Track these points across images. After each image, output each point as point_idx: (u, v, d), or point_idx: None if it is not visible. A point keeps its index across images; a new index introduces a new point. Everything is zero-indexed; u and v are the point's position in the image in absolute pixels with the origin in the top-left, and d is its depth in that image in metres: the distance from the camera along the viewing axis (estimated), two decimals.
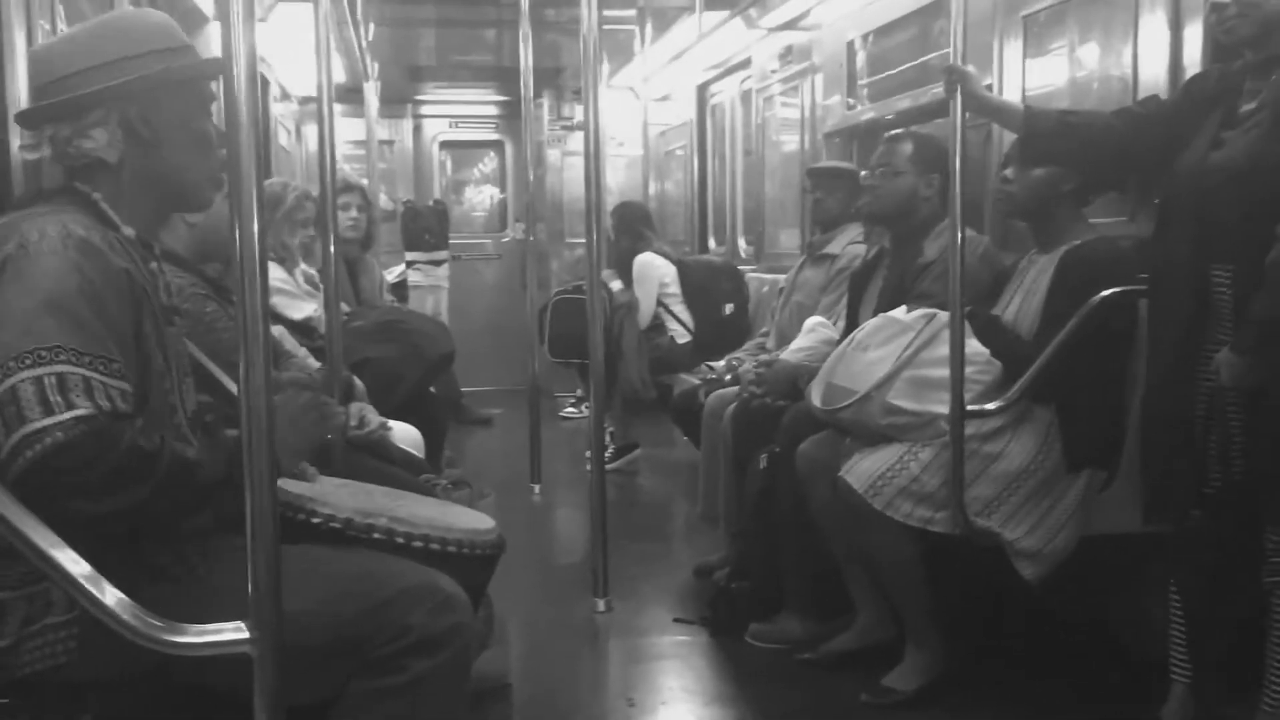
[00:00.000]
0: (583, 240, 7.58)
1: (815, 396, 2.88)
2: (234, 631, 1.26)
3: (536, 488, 5.11)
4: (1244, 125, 2.10)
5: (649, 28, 6.77)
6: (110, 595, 1.31)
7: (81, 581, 1.31)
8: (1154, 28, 2.94)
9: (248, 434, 1.26)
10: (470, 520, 1.93)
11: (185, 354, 1.81)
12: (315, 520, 1.73)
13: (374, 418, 2.81)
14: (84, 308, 1.48)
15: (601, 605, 3.42)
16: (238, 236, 1.28)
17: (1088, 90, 3.24)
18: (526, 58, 4.95)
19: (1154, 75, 2.93)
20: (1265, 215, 1.82)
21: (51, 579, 1.33)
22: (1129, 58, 3.05)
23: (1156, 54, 2.93)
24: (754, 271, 5.81)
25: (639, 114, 7.66)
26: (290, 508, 1.71)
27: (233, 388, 2.20)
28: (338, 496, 1.83)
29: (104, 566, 1.37)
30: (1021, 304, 2.78)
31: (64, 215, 1.58)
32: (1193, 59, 2.81)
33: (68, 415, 1.40)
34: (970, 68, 2.64)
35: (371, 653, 1.59)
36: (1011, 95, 3.52)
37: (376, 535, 1.74)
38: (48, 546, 1.33)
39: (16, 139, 1.77)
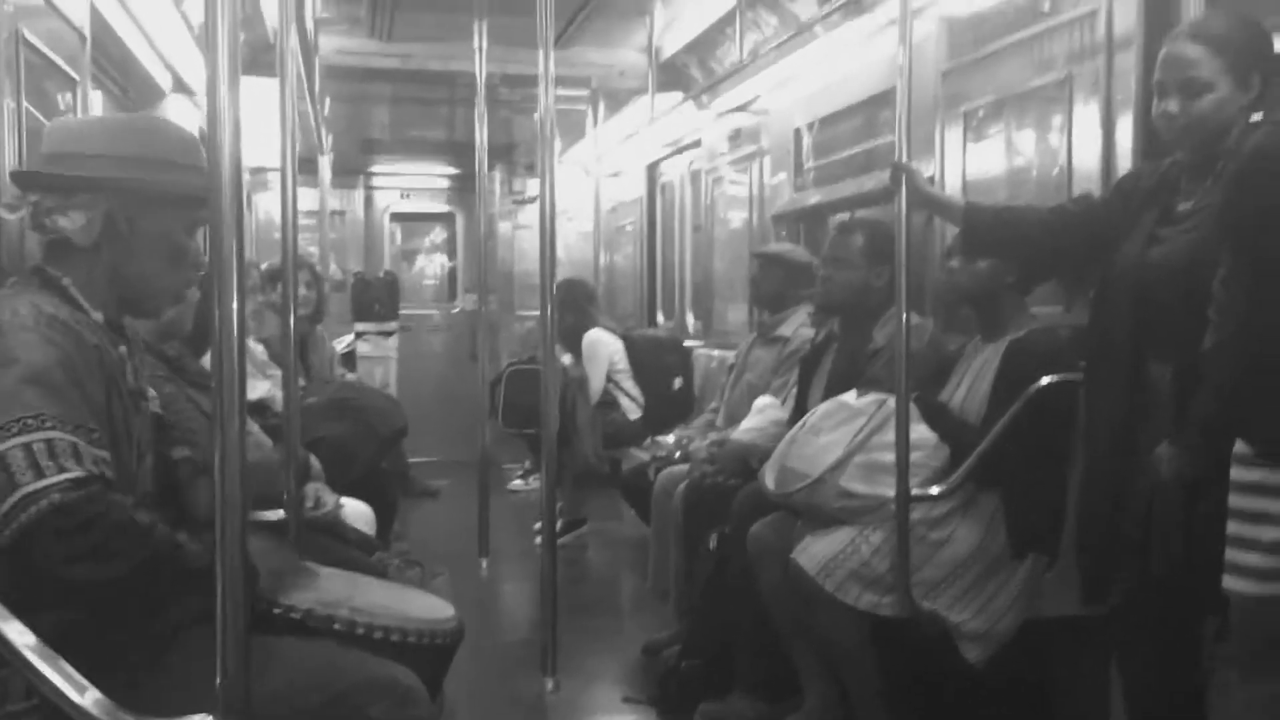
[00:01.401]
0: (532, 313, 7.68)
1: (769, 479, 2.93)
2: None
3: (484, 562, 5.08)
4: (1182, 224, 2.19)
5: (601, 107, 6.90)
6: (77, 687, 1.30)
7: (49, 674, 1.30)
8: (1088, 123, 3.08)
9: (221, 520, 1.27)
10: (429, 608, 1.94)
11: (149, 436, 1.82)
12: (276, 611, 1.74)
13: (329, 498, 2.81)
14: (63, 379, 1.51)
15: (550, 684, 3.39)
16: (217, 319, 1.28)
17: (1025, 179, 3.37)
18: (482, 134, 5.02)
19: (1088, 168, 3.07)
20: (1203, 313, 1.90)
21: (18, 670, 1.32)
22: (1064, 151, 3.19)
23: (1090, 148, 3.07)
24: (702, 347, 5.88)
25: (590, 189, 7.77)
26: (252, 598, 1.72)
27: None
28: (297, 584, 1.84)
29: (72, 651, 1.36)
30: (968, 391, 2.86)
31: (32, 295, 1.61)
32: (1124, 154, 2.95)
33: (62, 477, 1.42)
34: (914, 164, 2.74)
35: None
36: (953, 183, 3.65)
37: (337, 626, 1.75)
38: (10, 632, 1.32)
39: None
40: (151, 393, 1.87)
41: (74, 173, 1.69)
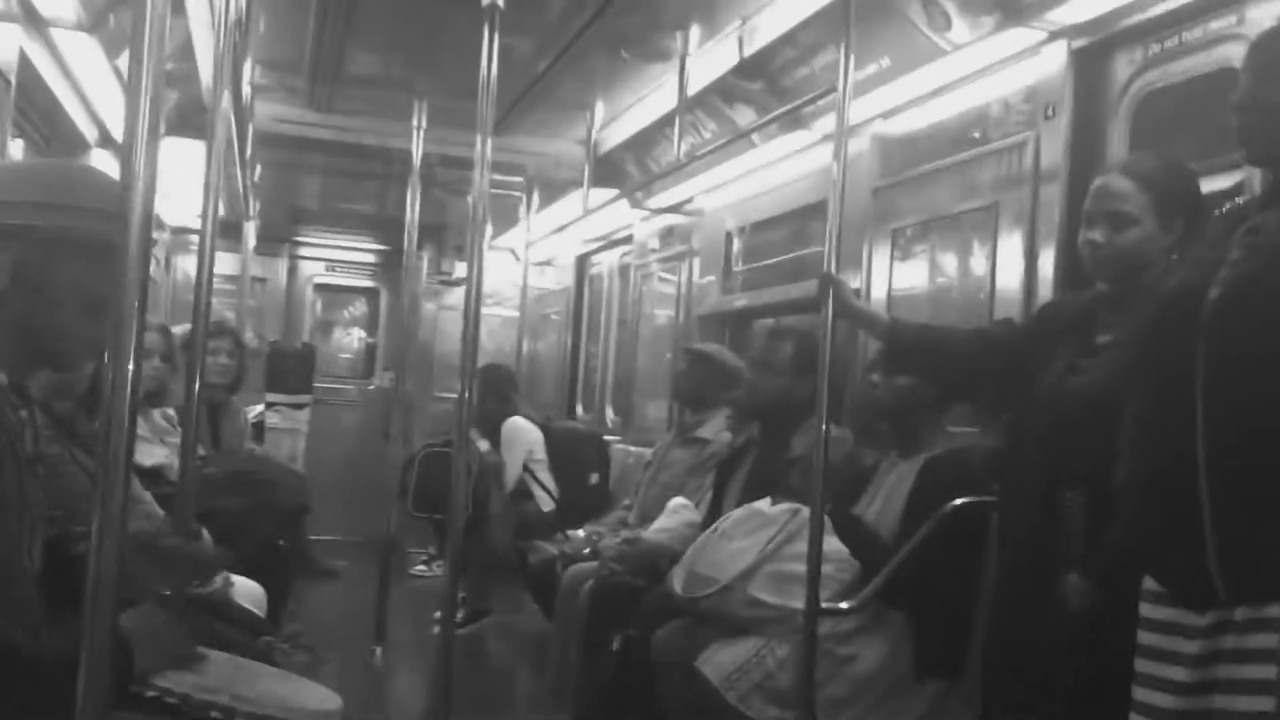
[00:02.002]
0: (449, 395, 7.59)
1: (677, 583, 2.88)
2: None
3: (379, 650, 4.91)
4: (1100, 356, 2.22)
5: (535, 196, 6.92)
6: None
7: None
8: (1012, 249, 3.15)
9: (92, 594, 1.19)
10: (315, 698, 1.85)
11: (42, 507, 1.71)
12: (150, 694, 1.64)
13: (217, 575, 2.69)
14: None
15: None
16: (110, 380, 1.21)
17: (949, 299, 3.43)
18: (413, 212, 4.99)
19: (1010, 292, 3.13)
20: (1118, 445, 1.90)
21: None
22: (988, 274, 3.26)
23: (1013, 273, 3.13)
24: (620, 442, 5.84)
25: (519, 275, 7.76)
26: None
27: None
28: (179, 667, 1.74)
29: None
30: (883, 506, 2.85)
31: None
32: (1046, 282, 3.02)
33: None
34: (842, 276, 2.76)
35: None
36: (878, 297, 3.70)
37: (215, 715, 1.65)
38: None
39: None
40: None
41: None
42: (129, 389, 1.22)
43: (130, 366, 1.21)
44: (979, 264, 3.33)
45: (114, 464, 1.21)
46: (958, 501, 2.63)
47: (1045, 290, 3.01)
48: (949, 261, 3.50)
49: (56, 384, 2.47)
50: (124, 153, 1.21)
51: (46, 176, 1.69)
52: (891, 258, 3.75)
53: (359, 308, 8.91)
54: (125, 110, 1.21)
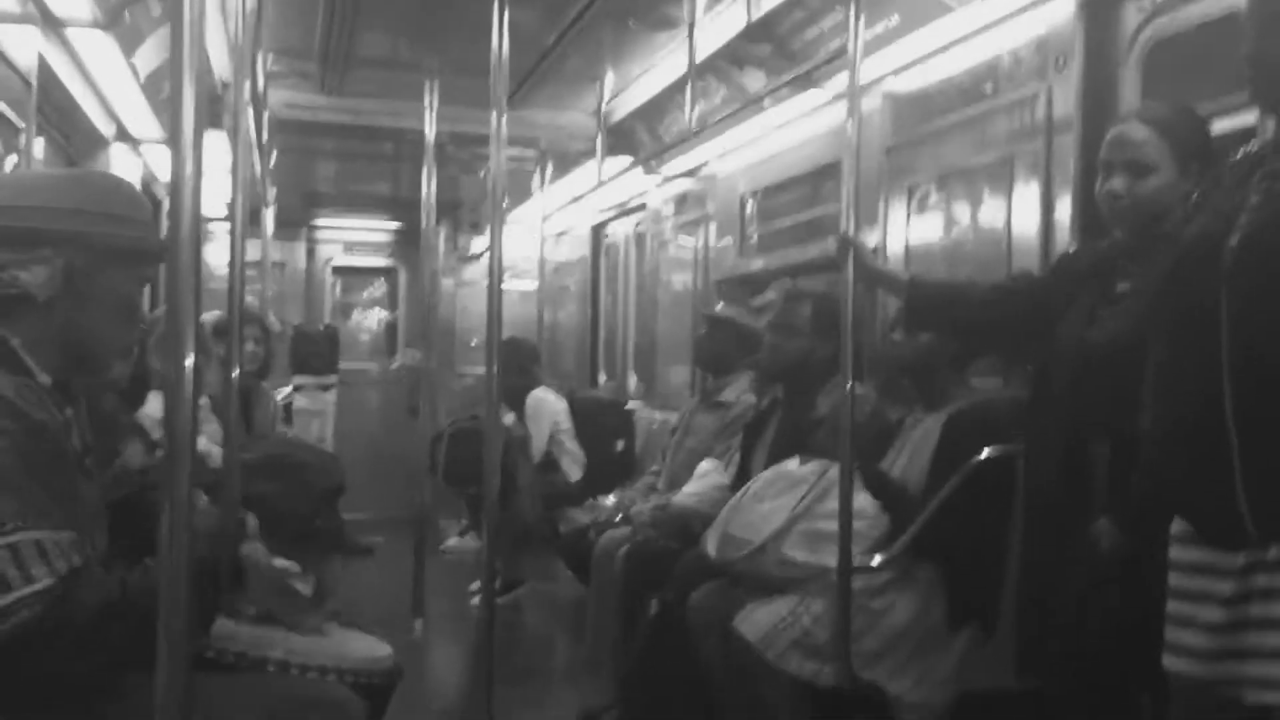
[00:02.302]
0: (472, 370, 7.65)
1: (711, 545, 2.93)
2: None
3: (418, 623, 4.99)
4: (1121, 304, 2.24)
5: (549, 168, 6.94)
6: None
7: None
8: (1028, 201, 3.16)
9: (166, 575, 1.24)
10: (365, 648, 1.92)
11: (99, 499, 1.78)
12: (209, 655, 1.70)
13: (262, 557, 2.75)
14: (16, 470, 1.47)
15: None
16: (169, 374, 1.27)
17: (967, 254, 3.45)
18: (429, 190, 5.02)
19: (1028, 244, 3.15)
20: (1141, 392, 1.93)
21: None
22: (1005, 227, 3.27)
23: (1030, 225, 3.15)
24: (644, 409, 5.89)
25: (535, 248, 7.79)
26: None
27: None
28: (233, 627, 1.80)
29: (15, 698, 1.33)
30: (909, 461, 2.89)
31: None
32: (1063, 232, 3.04)
33: (28, 590, 1.40)
34: (860, 229, 2.79)
35: None
36: (895, 255, 3.72)
37: (271, 668, 1.72)
38: None
39: None
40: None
41: (34, 224, 1.66)
42: (187, 378, 1.27)
43: (188, 358, 1.26)
44: (995, 217, 3.34)
45: (179, 449, 1.26)
46: (984, 454, 2.66)
47: (1062, 241, 3.02)
48: (965, 216, 3.51)
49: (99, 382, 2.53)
50: (173, 149, 1.25)
51: (89, 186, 1.76)
52: (908, 215, 3.76)
53: (378, 288, 8.96)
54: (171, 107, 1.25)
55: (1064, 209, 3.05)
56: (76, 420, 1.75)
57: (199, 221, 1.28)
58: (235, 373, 2.88)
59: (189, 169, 1.27)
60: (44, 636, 1.40)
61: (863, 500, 2.76)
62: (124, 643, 1.46)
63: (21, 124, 2.94)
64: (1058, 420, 2.28)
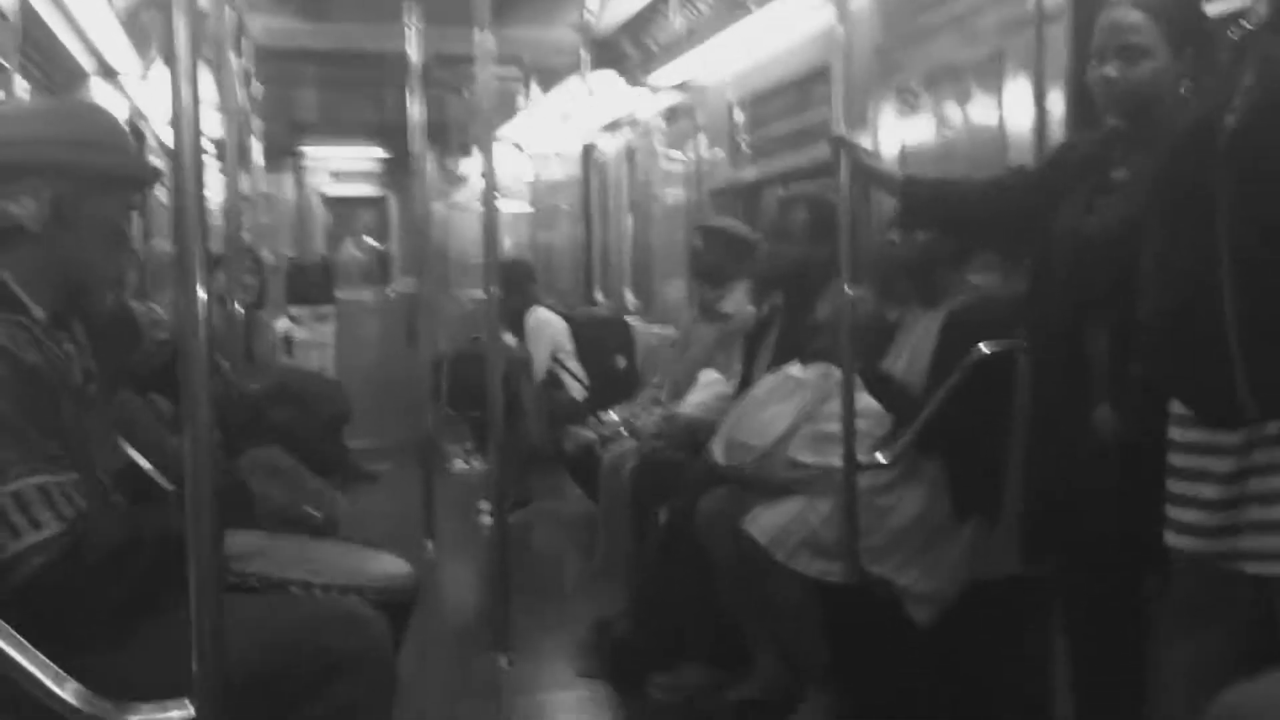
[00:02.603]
0: (469, 293, 7.64)
1: (718, 452, 2.96)
2: (179, 709, 1.26)
3: (430, 544, 5.06)
4: (1119, 192, 2.24)
5: (534, 86, 6.87)
6: (54, 677, 1.30)
7: (23, 663, 1.30)
8: (1020, 95, 3.14)
9: (194, 512, 1.27)
10: (384, 564, 1.96)
11: (108, 420, 1.80)
12: (231, 579, 1.74)
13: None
14: (12, 414, 1.48)
15: (504, 662, 3.42)
16: (182, 302, 1.28)
17: (960, 152, 3.43)
18: (416, 114, 4.97)
19: (1022, 139, 3.13)
20: (1138, 280, 1.95)
21: None
22: (998, 122, 3.25)
23: (1023, 119, 3.13)
24: (642, 324, 5.91)
25: (524, 168, 7.74)
26: None
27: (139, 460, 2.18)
28: (251, 553, 1.84)
29: (35, 640, 1.36)
30: (909, 361, 2.91)
31: None
32: (1057, 125, 3.02)
33: (38, 538, 1.41)
34: (851, 133, 2.78)
35: (293, 682, 1.60)
36: (888, 154, 3.70)
37: (293, 588, 1.76)
38: None
39: None
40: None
41: (12, 154, 1.66)
42: (200, 310, 1.28)
43: (199, 287, 1.27)
44: (988, 114, 3.32)
45: (198, 381, 1.27)
46: (983, 348, 2.69)
47: (1057, 134, 3.01)
48: (958, 114, 3.48)
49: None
50: (173, 84, 1.25)
51: (71, 115, 1.76)
52: (899, 116, 3.74)
53: (369, 215, 8.91)
54: (165, 39, 1.25)
55: (1057, 101, 3.04)
56: (76, 351, 1.76)
57: (199, 152, 1.29)
58: (235, 305, 2.91)
59: (187, 98, 1.26)
60: (57, 582, 1.42)
61: (865, 401, 2.79)
62: (138, 580, 1.49)
63: (5, 63, 2.90)
64: (1057, 311, 2.30)
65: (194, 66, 1.26)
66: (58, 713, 1.31)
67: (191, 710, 1.24)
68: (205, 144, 2.93)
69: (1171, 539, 1.91)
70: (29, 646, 1.31)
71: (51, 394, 1.57)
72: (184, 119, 1.25)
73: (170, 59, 1.24)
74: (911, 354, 2.93)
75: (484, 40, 2.94)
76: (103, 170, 1.69)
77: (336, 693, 1.61)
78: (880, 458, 2.72)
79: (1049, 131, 3.05)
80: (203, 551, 1.25)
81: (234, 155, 2.69)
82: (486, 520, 5.17)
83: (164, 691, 1.29)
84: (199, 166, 1.27)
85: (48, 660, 1.31)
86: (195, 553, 1.25)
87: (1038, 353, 2.45)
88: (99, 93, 4.55)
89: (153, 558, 1.52)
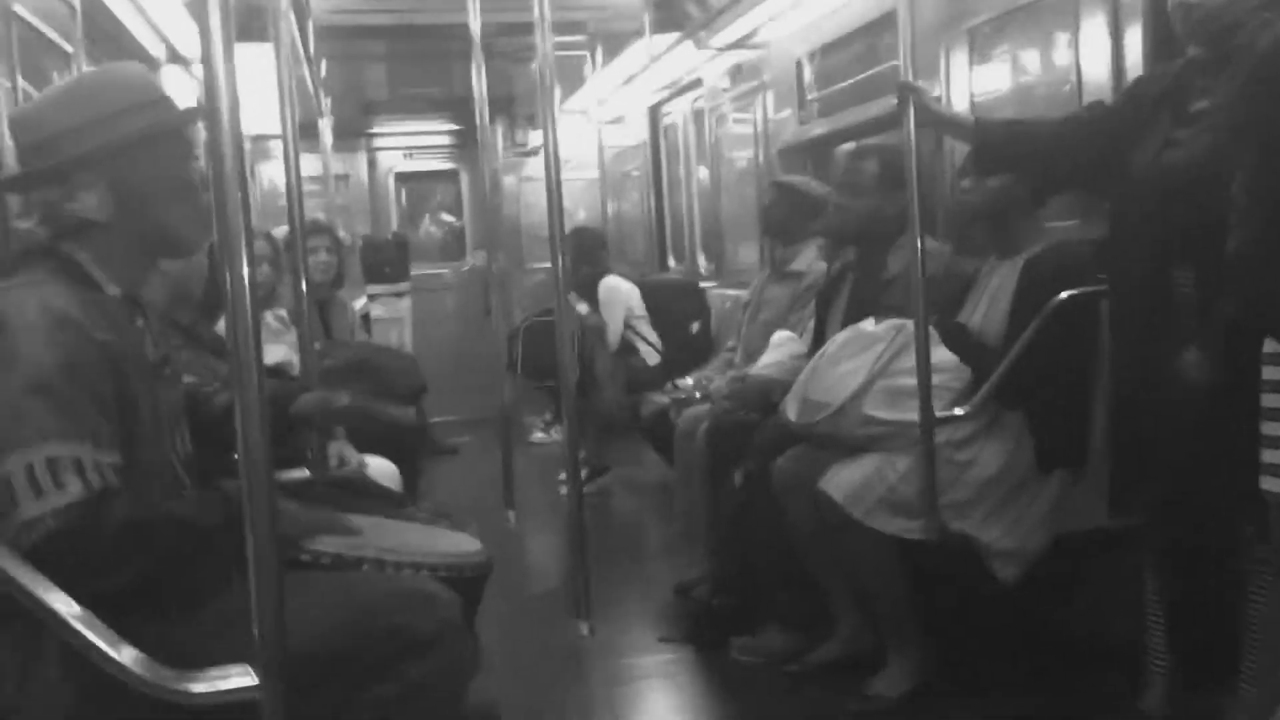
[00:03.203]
0: (542, 265, 7.65)
1: (791, 411, 2.92)
2: (241, 676, 1.27)
3: (511, 514, 5.09)
4: (1199, 124, 2.15)
5: (599, 52, 6.82)
6: (116, 645, 1.32)
7: (85, 632, 1.31)
8: (1094, 32, 3.02)
9: (248, 481, 1.27)
10: (456, 543, 1.95)
11: (179, 403, 1.82)
12: (304, 558, 1.74)
13: (352, 455, 2.82)
14: (66, 384, 1.49)
15: (584, 629, 3.42)
16: (229, 286, 1.28)
17: (1033, 95, 3.32)
18: (480, 87, 4.96)
19: (1098, 78, 3.01)
20: (1224, 214, 1.86)
21: (56, 632, 1.33)
22: (1072, 62, 3.14)
23: (1098, 57, 3.01)
24: (715, 288, 5.86)
25: (593, 137, 7.70)
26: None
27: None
28: (324, 532, 1.84)
29: (99, 610, 1.37)
30: (987, 311, 2.84)
31: (43, 289, 1.58)
32: (1134, 61, 2.90)
33: (60, 503, 1.42)
34: (920, 82, 2.70)
35: (365, 662, 1.60)
36: (959, 104, 3.60)
37: (365, 567, 1.76)
38: (50, 598, 1.34)
39: None
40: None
41: (61, 155, 1.64)
42: (246, 289, 1.28)
43: (245, 269, 1.27)
44: (1063, 54, 3.20)
45: (245, 357, 1.27)
46: (1063, 295, 2.61)
47: (1135, 71, 2.89)
48: (1031, 57, 3.37)
49: (175, 296, 2.57)
50: (205, 66, 1.24)
51: (94, 89, 1.71)
52: (970, 61, 3.63)
53: (442, 191, 8.97)
54: (200, 23, 1.24)
55: (1134, 37, 2.91)
56: (149, 329, 1.77)
57: (239, 137, 1.27)
58: (304, 284, 2.92)
59: (223, 85, 1.25)
60: (67, 551, 1.41)
61: (942, 354, 2.72)
62: (147, 565, 1.48)
63: (70, 50, 2.94)
64: (1139, 251, 2.22)
65: (230, 48, 1.25)
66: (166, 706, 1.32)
67: (254, 677, 1.25)
68: (275, 126, 2.96)
69: (1269, 483, 1.83)
70: (92, 617, 1.32)
71: (118, 372, 1.58)
72: (220, 102, 1.24)
73: (204, 39, 1.23)
74: (989, 304, 2.85)
75: (543, 6, 2.90)
76: (141, 133, 1.67)
77: (409, 672, 1.61)
78: (958, 411, 2.66)
79: (1126, 69, 2.93)
80: (259, 520, 1.25)
81: (293, 135, 2.69)
82: (566, 490, 5.18)
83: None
84: (240, 153, 1.26)
85: (104, 625, 1.32)
86: (252, 520, 1.25)
87: (1120, 296, 2.37)
88: (171, 80, 4.62)
89: (162, 548, 1.52)
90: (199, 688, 1.29)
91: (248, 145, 7.11)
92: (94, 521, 1.43)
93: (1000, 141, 2.65)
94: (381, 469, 3.18)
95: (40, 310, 1.53)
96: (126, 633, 1.35)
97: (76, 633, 1.32)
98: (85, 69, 3.36)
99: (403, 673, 1.61)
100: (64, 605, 1.34)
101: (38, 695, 1.52)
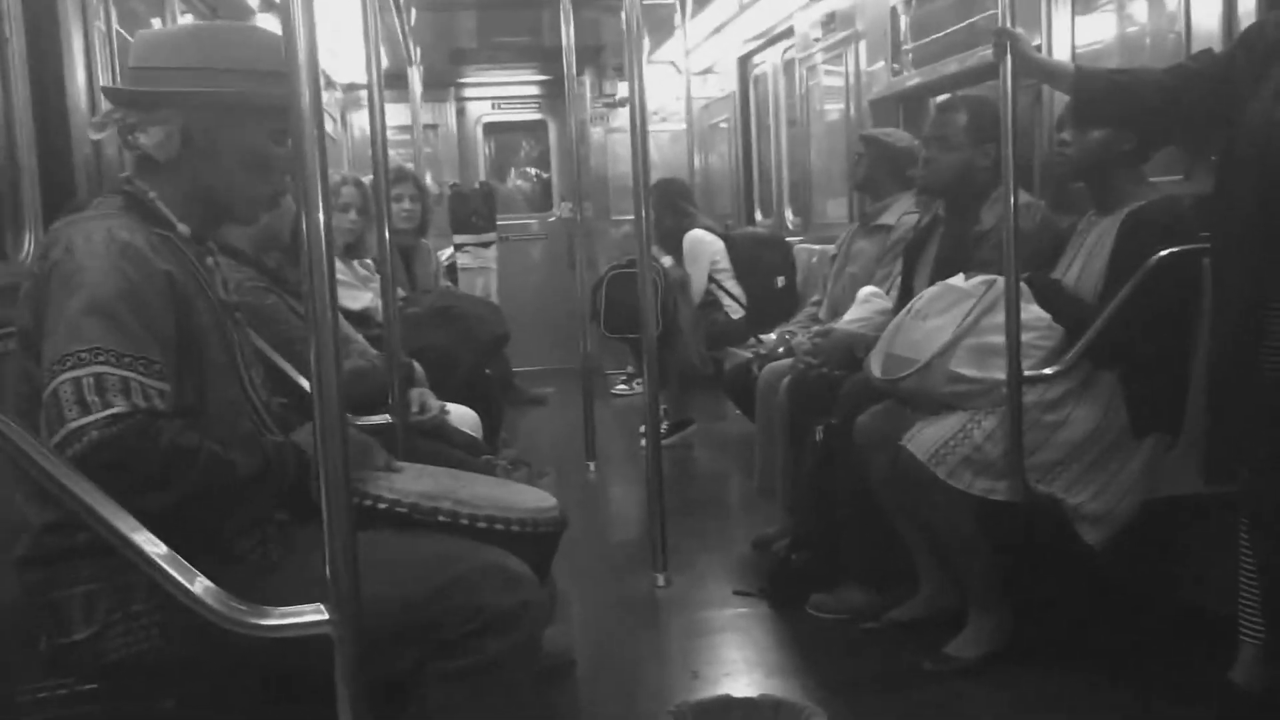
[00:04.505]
0: (628, 217, 7.64)
1: (875, 366, 2.87)
2: (314, 613, 1.29)
3: (592, 465, 5.13)
4: None
5: (689, 1, 6.73)
6: (196, 581, 1.34)
7: (167, 568, 1.34)
8: None
9: (321, 423, 1.28)
10: (532, 499, 1.95)
11: (250, 346, 1.84)
12: (381, 506, 1.76)
13: (433, 402, 2.84)
14: (124, 310, 1.51)
15: (661, 580, 3.44)
16: (305, 230, 1.29)
17: (1139, 46, 3.19)
18: (568, 37, 4.94)
19: (1207, 26, 2.88)
20: None
21: (139, 566, 1.36)
22: (1181, 10, 3.00)
23: (1208, 4, 2.87)
24: (802, 243, 5.78)
25: (681, 88, 7.63)
26: (355, 494, 1.73)
27: (299, 379, 2.24)
28: (402, 480, 1.85)
29: (184, 553, 1.40)
30: (1083, 268, 2.75)
31: (111, 220, 1.61)
32: (1247, 8, 2.76)
33: (104, 414, 1.44)
34: (1019, 29, 2.61)
35: (444, 635, 1.61)
36: (1061, 55, 3.47)
37: (441, 518, 1.76)
38: (134, 535, 1.36)
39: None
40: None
41: (155, 86, 1.68)
42: (323, 234, 1.28)
43: (321, 216, 1.27)
44: (1171, 3, 3.07)
45: (320, 303, 1.29)
46: (1164, 252, 2.51)
47: (1247, 18, 2.75)
48: (1137, 4, 3.23)
49: (261, 238, 2.61)
50: (282, 12, 1.24)
51: (218, 41, 1.74)
52: (1073, 11, 3.49)
53: (530, 141, 8.98)
54: None
55: None
56: (219, 271, 1.80)
57: (317, 84, 1.28)
58: (387, 231, 2.95)
59: (301, 30, 1.26)
60: (111, 463, 1.43)
61: (1033, 311, 2.65)
62: (187, 489, 1.50)
63: None
64: (1244, 208, 2.12)
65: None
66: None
67: (326, 614, 1.26)
68: (365, 75, 2.98)
69: None
70: (167, 548, 1.34)
71: (184, 306, 1.60)
72: (299, 46, 1.24)
73: None
74: (1086, 261, 2.76)
75: None
76: (238, 98, 1.70)
77: (484, 647, 1.62)
78: (1048, 371, 2.59)
79: (1238, 20, 2.79)
80: (332, 460, 1.26)
81: (378, 82, 2.69)
82: (645, 442, 5.20)
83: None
84: (318, 99, 1.26)
85: (181, 559, 1.35)
86: (325, 460, 1.26)
87: (1223, 255, 2.27)
88: (265, 25, 4.67)
89: (204, 476, 1.53)
90: (271, 622, 1.31)
91: (339, 94, 7.20)
92: (138, 438, 1.46)
93: (1102, 92, 2.54)
94: (463, 416, 3.20)
95: (107, 239, 1.56)
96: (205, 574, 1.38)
97: (158, 566, 1.34)
98: (178, 15, 3.41)
99: (478, 647, 1.62)
100: (149, 544, 1.36)
101: (123, 625, 1.57)
